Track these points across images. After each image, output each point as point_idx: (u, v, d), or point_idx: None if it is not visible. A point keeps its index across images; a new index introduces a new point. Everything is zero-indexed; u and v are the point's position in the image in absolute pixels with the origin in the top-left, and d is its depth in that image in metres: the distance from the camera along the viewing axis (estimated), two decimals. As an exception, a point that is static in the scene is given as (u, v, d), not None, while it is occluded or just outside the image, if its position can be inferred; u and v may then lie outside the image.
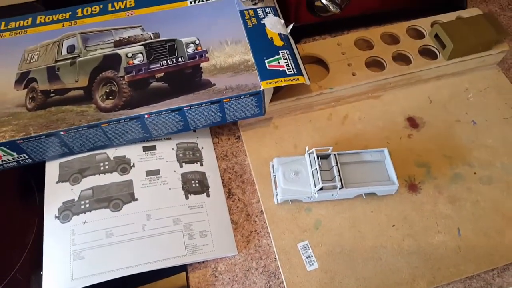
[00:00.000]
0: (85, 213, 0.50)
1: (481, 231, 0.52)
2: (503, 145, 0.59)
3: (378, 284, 0.49)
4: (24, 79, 0.52)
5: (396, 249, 0.51)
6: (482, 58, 0.64)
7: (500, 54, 0.64)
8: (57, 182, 0.52)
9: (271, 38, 0.55)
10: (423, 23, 0.67)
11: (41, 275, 0.47)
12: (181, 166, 0.55)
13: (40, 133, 0.48)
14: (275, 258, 0.51)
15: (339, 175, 0.51)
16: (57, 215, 0.50)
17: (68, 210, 0.50)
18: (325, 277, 0.49)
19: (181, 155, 0.55)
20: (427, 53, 0.65)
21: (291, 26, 0.58)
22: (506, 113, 0.62)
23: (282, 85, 0.51)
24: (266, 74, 0.52)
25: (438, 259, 0.50)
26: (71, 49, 0.54)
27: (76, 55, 0.54)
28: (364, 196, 0.54)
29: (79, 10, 0.58)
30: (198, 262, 0.51)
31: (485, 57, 0.64)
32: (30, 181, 0.55)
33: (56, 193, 0.51)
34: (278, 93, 0.57)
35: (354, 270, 0.50)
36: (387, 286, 0.49)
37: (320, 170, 0.51)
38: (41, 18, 0.57)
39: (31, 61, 0.54)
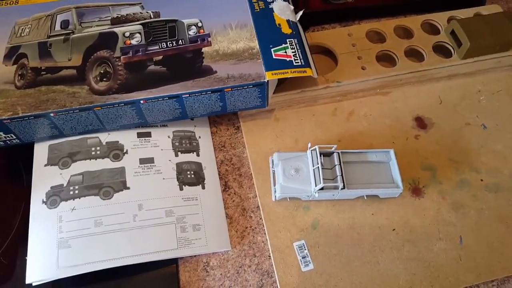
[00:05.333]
0: (73, 200, 0.47)
1: (484, 240, 0.50)
2: (513, 152, 0.56)
3: (374, 289, 0.47)
4: (13, 54, 0.49)
5: (395, 254, 0.49)
6: (498, 59, 0.61)
7: (517, 56, 0.61)
8: (45, 165, 0.49)
9: (279, 24, 0.52)
10: (439, 18, 0.64)
11: (26, 260, 0.45)
12: (176, 155, 0.52)
13: (29, 114, 0.45)
14: (269, 256, 0.49)
15: (342, 175, 0.49)
16: (45, 200, 0.47)
17: (56, 196, 0.48)
18: (320, 279, 0.48)
19: (177, 144, 0.53)
20: (441, 50, 0.62)
21: (300, 12, 0.54)
22: (518, 119, 0.59)
23: (288, 77, 0.48)
24: (271, 64, 0.49)
25: (438, 267, 0.48)
26: (65, 24, 0.51)
27: (70, 31, 0.51)
28: (365, 197, 0.52)
29: (76, -18, 0.54)
30: (190, 256, 0.49)
31: (501, 58, 0.61)
32: (18, 162, 0.53)
33: (44, 176, 0.49)
34: (282, 84, 0.54)
35: (350, 273, 0.48)
36: (383, 292, 0.47)
37: (322, 169, 0.48)
38: (34, -12, 0.54)
39: (22, 35, 0.50)
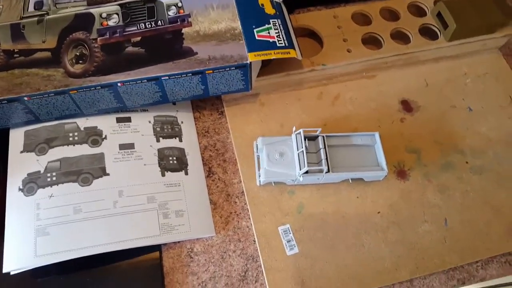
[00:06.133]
0: (51, 187, 0.46)
1: (468, 222, 0.50)
2: (498, 134, 0.56)
3: (360, 272, 0.47)
4: (-16, 36, 0.47)
5: (380, 236, 0.49)
6: (484, 41, 0.60)
7: (503, 38, 0.61)
8: (21, 152, 0.48)
9: (262, 4, 0.51)
10: (426, 0, 0.63)
11: (2, 250, 0.44)
12: (158, 140, 0.51)
13: (1, 98, 0.44)
14: (254, 241, 0.49)
15: (326, 158, 0.48)
16: (21, 187, 0.46)
17: (33, 183, 0.46)
18: (305, 262, 0.47)
19: (158, 129, 0.51)
20: (427, 33, 0.61)
21: (284, -7, 0.53)
22: (504, 101, 0.59)
23: (271, 58, 0.47)
24: (254, 45, 0.47)
25: (423, 249, 0.48)
26: (39, 5, 0.49)
27: (45, 12, 0.49)
28: (350, 180, 0.51)
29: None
30: (174, 242, 0.48)
31: (487, 40, 0.60)
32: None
33: (20, 163, 0.47)
34: (266, 67, 0.53)
35: (336, 256, 0.48)
36: (369, 274, 0.47)
37: (306, 153, 0.48)
38: (6, -33, 0.51)
39: (-6, 16, 0.48)
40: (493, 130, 0.56)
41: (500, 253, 0.49)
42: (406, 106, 0.58)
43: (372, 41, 0.60)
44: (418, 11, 0.63)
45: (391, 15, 0.62)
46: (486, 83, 0.60)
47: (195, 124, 0.55)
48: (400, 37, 0.61)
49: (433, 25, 0.61)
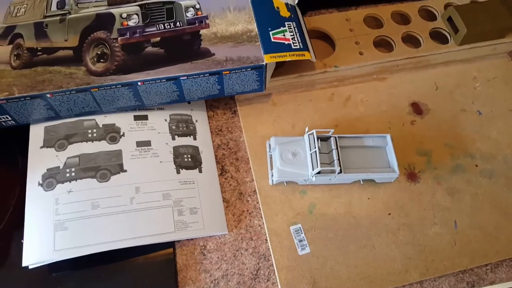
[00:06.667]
0: (70, 182, 0.47)
1: (478, 225, 0.51)
2: (508, 138, 0.57)
3: (370, 273, 0.48)
4: (9, 34, 0.48)
5: (390, 238, 0.50)
6: (494, 46, 0.61)
7: (513, 43, 0.62)
8: (41, 147, 0.49)
9: (277, 8, 0.52)
10: (436, 4, 0.64)
11: (22, 243, 0.45)
12: (173, 138, 0.52)
13: (25, 94, 0.45)
14: (266, 240, 0.50)
15: (339, 159, 0.49)
16: (41, 182, 0.47)
17: (52, 178, 0.47)
18: (316, 262, 0.48)
19: (174, 127, 0.53)
20: (438, 37, 0.62)
21: (299, -4, 0.54)
22: (513, 106, 0.60)
23: (286, 60, 0.48)
24: (270, 47, 0.48)
25: (433, 251, 0.49)
26: (61, 4, 0.50)
27: (67, 11, 0.50)
28: (361, 182, 0.52)
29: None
30: (187, 239, 0.49)
31: (497, 45, 0.61)
32: (12, 145, 0.52)
33: (40, 158, 0.48)
34: (280, 68, 0.54)
35: (346, 257, 0.48)
36: (379, 276, 0.48)
37: (319, 153, 0.49)
38: (29, -32, 0.52)
39: (17, 14, 0.49)
40: (503, 134, 0.57)
41: (510, 257, 0.50)
42: (417, 108, 0.58)
43: (383, 44, 0.61)
44: (429, 15, 0.64)
45: (402, 18, 0.63)
46: (496, 87, 0.61)
47: (209, 122, 0.56)
48: (411, 40, 0.62)
49: (444, 29, 0.61)
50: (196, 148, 0.53)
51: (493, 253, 0.49)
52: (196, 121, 0.55)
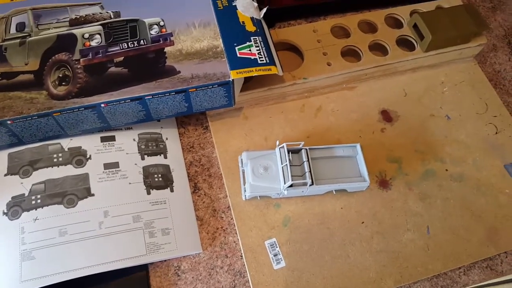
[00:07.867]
0: (36, 209, 0.46)
1: (450, 229, 0.52)
2: (476, 141, 0.58)
3: (346, 283, 0.48)
4: (-35, 60, 0.47)
5: (364, 246, 0.50)
6: (459, 50, 0.62)
7: (478, 47, 0.63)
8: (5, 175, 0.47)
9: (243, 22, 0.52)
10: (402, 12, 0.64)
11: (-13, 275, 0.43)
12: (143, 158, 0.51)
13: (-17, 122, 0.43)
14: (241, 256, 0.49)
15: (310, 171, 0.49)
16: (5, 211, 0.46)
17: (17, 206, 0.46)
18: (292, 275, 0.48)
19: (143, 147, 0.52)
20: (405, 44, 0.63)
21: (264, 9, 0.54)
22: (480, 108, 0.61)
23: (253, 75, 0.48)
24: (236, 63, 0.48)
25: (406, 258, 0.49)
26: (20, 27, 0.49)
27: (27, 34, 0.49)
28: (334, 192, 0.52)
29: (30, -17, 0.52)
30: (160, 261, 0.48)
31: (462, 49, 0.62)
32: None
33: (4, 186, 0.47)
34: (249, 82, 0.54)
35: (322, 268, 0.48)
36: (354, 285, 0.48)
37: (290, 166, 0.48)
38: (-14, -10, 0.51)
39: (-26, 39, 0.48)
40: (471, 137, 0.58)
41: (481, 258, 0.51)
42: (386, 116, 0.59)
43: (351, 54, 0.62)
44: (395, 23, 0.65)
45: (369, 27, 0.64)
46: (463, 91, 0.62)
47: (180, 140, 0.55)
48: (379, 48, 0.62)
49: (410, 36, 0.62)
50: (167, 167, 0.52)
51: (465, 256, 0.50)
52: (167, 139, 0.54)
